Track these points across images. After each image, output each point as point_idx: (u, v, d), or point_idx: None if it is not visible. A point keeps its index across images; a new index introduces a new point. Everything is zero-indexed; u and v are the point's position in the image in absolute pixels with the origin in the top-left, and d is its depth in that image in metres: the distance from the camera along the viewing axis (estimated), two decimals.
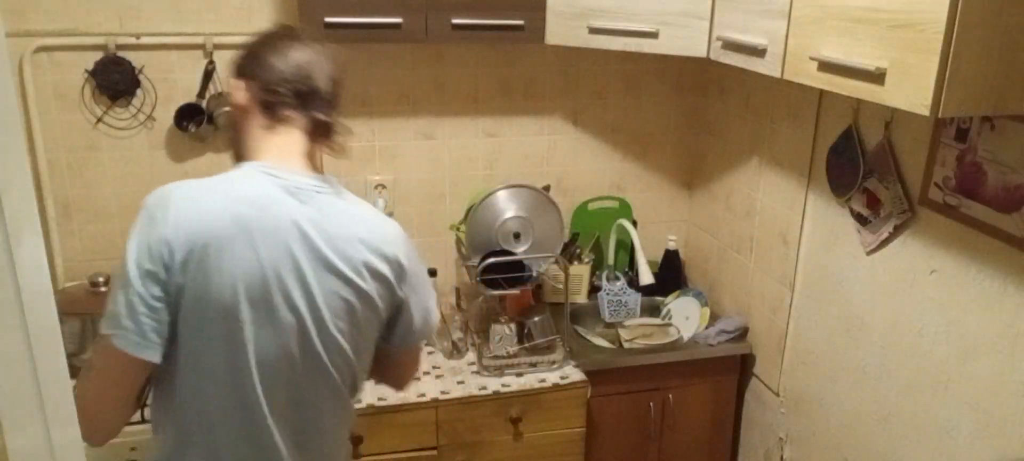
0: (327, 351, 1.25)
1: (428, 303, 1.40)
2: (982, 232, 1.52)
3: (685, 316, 2.42)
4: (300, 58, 1.28)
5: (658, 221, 2.67)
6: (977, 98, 1.25)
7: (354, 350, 1.29)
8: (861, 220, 1.85)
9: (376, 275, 1.27)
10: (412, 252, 1.36)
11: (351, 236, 1.25)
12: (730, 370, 2.38)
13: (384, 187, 2.39)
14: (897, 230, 1.74)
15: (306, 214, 1.22)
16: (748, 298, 2.37)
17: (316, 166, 1.31)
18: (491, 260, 2.14)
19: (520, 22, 2.05)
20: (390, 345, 1.37)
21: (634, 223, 2.53)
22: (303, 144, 1.29)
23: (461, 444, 2.09)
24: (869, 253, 1.83)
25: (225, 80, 2.20)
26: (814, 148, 2.02)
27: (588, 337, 2.38)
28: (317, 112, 1.28)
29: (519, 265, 2.19)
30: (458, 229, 2.41)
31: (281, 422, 1.25)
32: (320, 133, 1.30)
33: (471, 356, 2.22)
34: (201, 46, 2.16)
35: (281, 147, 1.27)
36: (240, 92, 1.30)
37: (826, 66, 1.47)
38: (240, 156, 1.32)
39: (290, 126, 1.28)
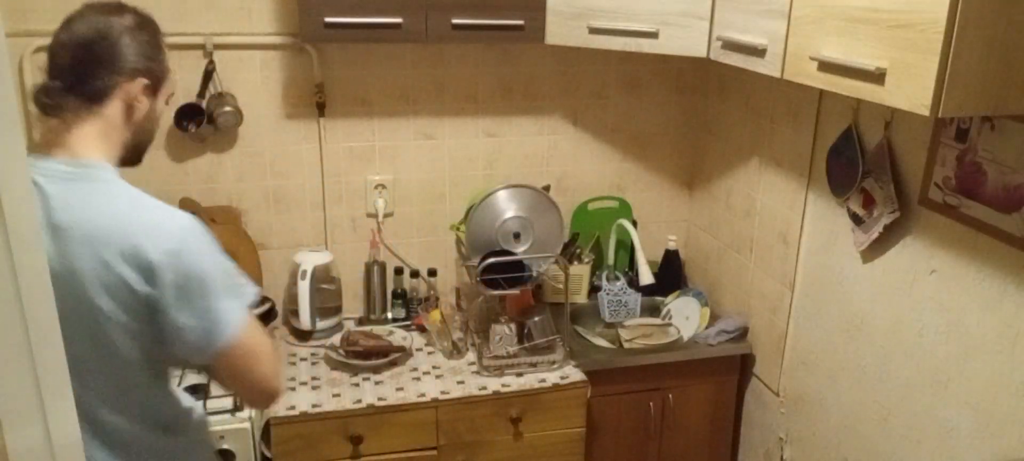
0: None
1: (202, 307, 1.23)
2: (982, 232, 1.52)
3: (685, 316, 2.42)
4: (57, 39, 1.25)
5: (658, 221, 2.67)
6: (977, 98, 1.25)
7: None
8: (856, 220, 1.85)
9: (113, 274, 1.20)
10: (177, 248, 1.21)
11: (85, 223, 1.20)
12: (730, 370, 2.38)
13: (384, 187, 2.39)
14: (888, 230, 1.74)
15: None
16: (748, 298, 2.37)
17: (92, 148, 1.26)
18: (491, 260, 2.14)
19: (520, 22, 2.05)
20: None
21: (634, 223, 2.53)
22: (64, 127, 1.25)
23: (461, 444, 2.09)
24: (862, 253, 1.83)
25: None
26: (814, 148, 2.02)
27: (588, 337, 2.38)
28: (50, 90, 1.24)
29: (519, 265, 2.19)
30: (458, 229, 2.41)
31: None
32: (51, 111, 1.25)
33: (471, 356, 2.22)
34: (201, 46, 2.16)
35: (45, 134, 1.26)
36: None
37: (826, 66, 1.47)
38: None
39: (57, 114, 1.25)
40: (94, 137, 1.25)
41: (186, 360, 1.36)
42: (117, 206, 1.24)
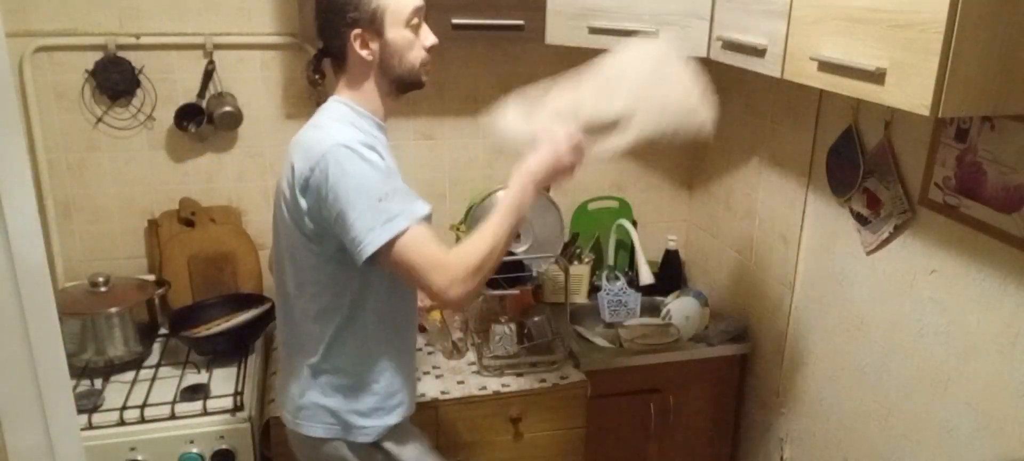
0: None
1: (349, 214, 1.38)
2: (982, 232, 1.52)
3: (685, 316, 2.42)
4: None
5: (658, 221, 2.67)
6: (977, 98, 1.25)
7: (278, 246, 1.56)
8: (861, 220, 1.85)
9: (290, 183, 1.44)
10: (325, 163, 1.38)
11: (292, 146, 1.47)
12: (730, 370, 2.38)
13: None
14: (897, 230, 1.74)
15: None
16: (748, 298, 2.37)
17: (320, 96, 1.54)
18: None
19: (520, 22, 2.05)
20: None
21: (634, 223, 2.53)
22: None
23: (461, 444, 2.09)
24: (869, 253, 1.83)
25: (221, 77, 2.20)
26: (814, 148, 2.02)
27: (588, 337, 2.38)
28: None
29: (519, 265, 2.19)
30: (458, 229, 2.41)
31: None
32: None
33: (471, 356, 2.22)
34: (201, 46, 2.16)
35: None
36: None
37: (826, 66, 1.47)
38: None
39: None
40: (340, 91, 1.52)
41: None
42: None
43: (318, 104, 1.54)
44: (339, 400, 1.55)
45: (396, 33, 1.45)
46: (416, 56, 1.49)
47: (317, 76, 1.60)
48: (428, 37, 1.51)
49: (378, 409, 1.57)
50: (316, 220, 1.42)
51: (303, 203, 1.41)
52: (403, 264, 1.38)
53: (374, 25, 1.44)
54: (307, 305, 1.53)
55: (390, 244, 1.36)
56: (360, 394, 1.56)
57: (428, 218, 1.43)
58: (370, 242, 1.36)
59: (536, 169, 1.50)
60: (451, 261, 1.39)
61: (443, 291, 1.39)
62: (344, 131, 1.42)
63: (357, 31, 1.43)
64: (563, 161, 1.51)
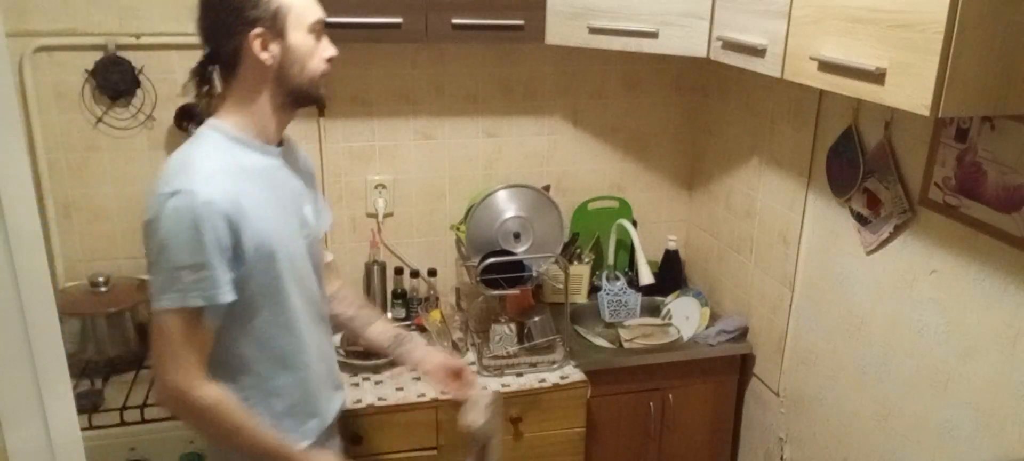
0: None
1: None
2: (982, 232, 1.52)
3: (685, 316, 2.42)
4: None
5: (658, 221, 2.67)
6: (977, 98, 1.25)
7: None
8: (861, 220, 1.85)
9: None
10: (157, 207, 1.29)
11: None
12: (730, 370, 2.38)
13: (384, 187, 2.39)
14: (897, 230, 1.74)
15: None
16: (748, 298, 2.37)
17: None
18: (491, 260, 2.14)
19: (520, 22, 2.05)
20: None
21: (634, 223, 2.53)
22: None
23: (461, 444, 2.08)
24: (869, 253, 1.83)
25: None
26: (814, 148, 2.02)
27: (588, 337, 2.38)
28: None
29: (519, 265, 2.19)
30: (458, 229, 2.41)
31: None
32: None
33: (471, 356, 2.22)
34: (201, 46, 2.16)
35: None
36: None
37: (826, 66, 1.47)
38: None
39: None
40: (227, 105, 1.40)
41: None
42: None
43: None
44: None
45: (299, 37, 1.35)
46: (317, 66, 1.39)
47: (205, 88, 1.42)
48: (328, 48, 1.41)
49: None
50: None
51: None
52: (152, 334, 1.33)
53: (276, 24, 1.32)
54: None
55: (156, 310, 1.31)
56: None
57: (207, 311, 1.32)
58: (153, 299, 1.31)
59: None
60: (177, 374, 1.32)
61: (157, 385, 1.36)
62: (202, 172, 1.30)
63: (257, 31, 1.31)
64: None
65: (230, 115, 1.39)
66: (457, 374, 1.73)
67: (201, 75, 1.41)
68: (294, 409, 1.50)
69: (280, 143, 1.46)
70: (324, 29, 1.41)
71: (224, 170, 1.32)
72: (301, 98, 1.41)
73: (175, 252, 1.27)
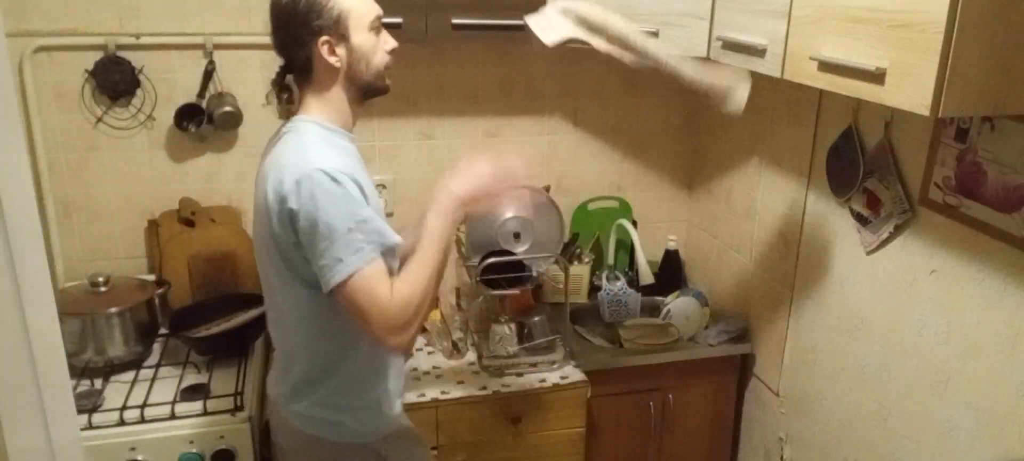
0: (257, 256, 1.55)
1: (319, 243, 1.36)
2: (982, 232, 1.52)
3: (685, 316, 2.42)
4: None
5: (658, 221, 2.67)
6: (977, 98, 1.25)
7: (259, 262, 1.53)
8: (861, 220, 1.85)
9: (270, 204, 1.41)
10: (302, 193, 1.34)
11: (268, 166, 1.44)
12: (730, 370, 2.38)
13: (384, 187, 2.39)
14: (897, 230, 1.74)
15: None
16: (748, 298, 2.37)
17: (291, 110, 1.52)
18: (491, 260, 2.13)
19: (520, 22, 2.05)
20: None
21: (634, 223, 2.53)
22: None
23: (461, 444, 2.09)
24: (869, 253, 1.83)
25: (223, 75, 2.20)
26: (814, 148, 2.02)
27: (588, 337, 2.37)
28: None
29: (519, 265, 2.19)
30: (458, 229, 2.41)
31: None
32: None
33: (471, 356, 2.22)
34: (201, 46, 2.16)
35: None
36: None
37: (826, 66, 1.47)
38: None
39: None
40: (309, 105, 1.49)
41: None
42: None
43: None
44: (331, 410, 1.54)
45: (361, 37, 1.44)
46: (381, 60, 1.48)
47: (285, 96, 1.54)
48: (389, 41, 1.50)
49: (367, 413, 1.57)
50: (287, 246, 1.40)
51: (278, 228, 1.39)
52: (351, 303, 1.36)
53: (339, 29, 1.42)
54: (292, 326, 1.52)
55: (346, 280, 1.34)
56: (351, 403, 1.55)
57: (393, 250, 1.41)
58: (337, 273, 1.34)
59: (460, 193, 1.48)
60: (392, 309, 1.36)
61: (381, 340, 1.38)
62: (321, 152, 1.38)
63: (324, 38, 1.41)
64: (488, 186, 1.49)
65: (316, 112, 1.47)
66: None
67: (280, 84, 1.53)
68: (396, 371, 1.61)
69: None
70: (381, 24, 1.49)
71: (335, 150, 1.41)
72: (370, 91, 1.51)
73: (339, 220, 1.33)
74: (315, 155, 1.37)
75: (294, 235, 1.37)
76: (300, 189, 1.34)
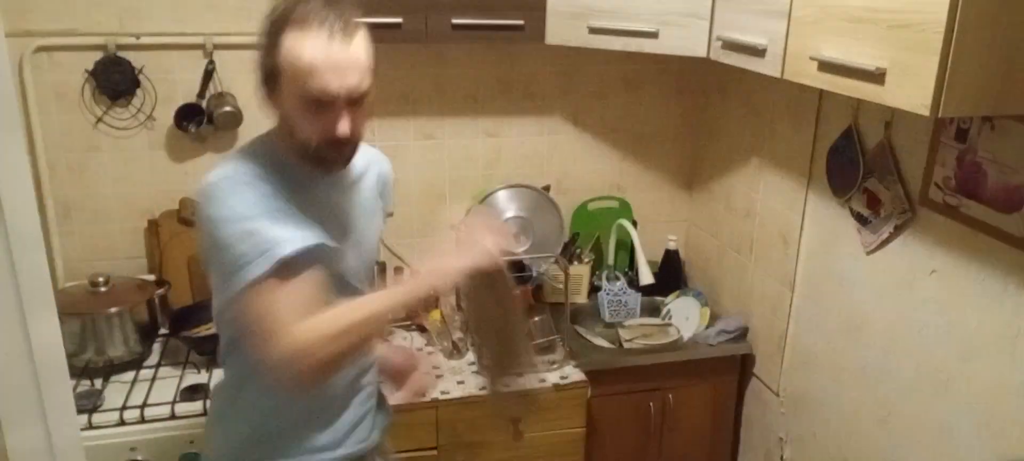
0: None
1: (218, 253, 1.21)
2: (982, 232, 1.52)
3: (685, 316, 2.42)
4: None
5: (658, 221, 2.67)
6: (977, 98, 1.25)
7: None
8: (861, 220, 1.85)
9: None
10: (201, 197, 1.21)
11: None
12: (730, 370, 2.38)
13: None
14: (897, 230, 1.74)
15: None
16: (748, 298, 2.37)
17: None
18: None
19: (520, 22, 2.05)
20: None
21: (634, 223, 2.53)
22: None
23: (461, 444, 2.08)
24: (869, 253, 1.83)
25: (227, 80, 2.20)
26: (814, 148, 2.02)
27: (588, 337, 2.37)
28: None
29: (519, 265, 2.19)
30: (458, 229, 2.40)
31: None
32: None
33: (471, 356, 2.22)
34: (201, 46, 2.16)
35: None
36: None
37: (826, 66, 1.47)
38: None
39: None
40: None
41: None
42: None
43: None
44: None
45: (291, 105, 1.22)
46: (313, 136, 1.23)
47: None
48: (335, 126, 1.21)
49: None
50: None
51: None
52: (248, 316, 1.17)
53: (269, 86, 1.24)
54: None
55: (245, 289, 1.16)
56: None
57: (307, 255, 1.20)
58: (240, 279, 1.16)
59: (463, 267, 1.33)
60: (294, 333, 1.15)
61: (273, 367, 1.16)
62: (235, 163, 1.24)
63: (262, 86, 1.25)
64: (487, 259, 1.34)
65: (274, 136, 1.33)
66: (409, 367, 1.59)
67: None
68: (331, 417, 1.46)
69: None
70: (338, 104, 1.21)
71: (261, 165, 1.29)
72: (304, 157, 1.27)
73: (242, 216, 1.25)
74: (226, 165, 1.24)
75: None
76: (201, 197, 1.22)
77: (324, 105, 1.20)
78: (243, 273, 1.16)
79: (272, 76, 1.22)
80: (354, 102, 1.22)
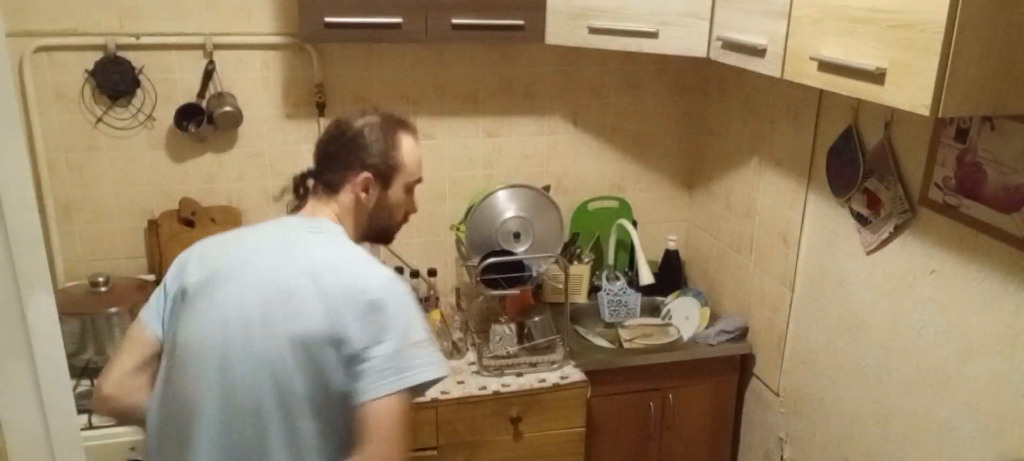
0: None
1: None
2: (982, 232, 1.52)
3: (685, 316, 2.42)
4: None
5: (658, 221, 2.67)
6: (977, 98, 1.25)
7: None
8: (861, 220, 1.85)
9: None
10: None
11: None
12: (730, 370, 2.38)
13: None
14: (897, 230, 1.74)
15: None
16: (748, 298, 2.37)
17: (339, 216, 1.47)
18: (491, 260, 2.14)
19: (520, 22, 2.05)
20: None
21: (634, 223, 2.53)
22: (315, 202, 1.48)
23: (461, 444, 2.09)
24: (869, 253, 1.83)
25: (220, 82, 2.21)
26: (814, 148, 2.02)
27: (588, 337, 2.38)
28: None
29: (519, 265, 2.19)
30: (458, 229, 2.41)
31: None
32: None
33: (471, 356, 2.22)
34: (201, 46, 2.16)
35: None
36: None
37: (826, 66, 1.47)
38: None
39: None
40: (330, 215, 1.44)
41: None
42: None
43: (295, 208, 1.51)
44: None
45: (398, 193, 1.48)
46: (401, 217, 1.52)
47: (300, 193, 1.53)
48: (413, 204, 1.54)
49: None
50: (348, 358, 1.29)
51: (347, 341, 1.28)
52: (385, 417, 1.26)
53: (384, 177, 1.45)
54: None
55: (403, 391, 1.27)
56: None
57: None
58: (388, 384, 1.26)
59: None
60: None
61: None
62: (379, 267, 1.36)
63: (367, 176, 1.42)
64: None
65: (339, 220, 1.45)
66: None
67: (300, 184, 1.53)
68: None
69: None
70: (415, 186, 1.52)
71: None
72: (377, 236, 1.53)
73: (420, 326, 1.34)
74: (379, 268, 1.36)
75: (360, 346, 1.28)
76: (387, 287, 1.31)
77: (413, 189, 1.52)
78: (415, 373, 1.28)
79: (388, 172, 1.44)
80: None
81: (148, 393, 1.36)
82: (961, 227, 1.57)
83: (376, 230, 1.51)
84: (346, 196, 1.44)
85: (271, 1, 2.17)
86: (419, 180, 1.52)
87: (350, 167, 1.42)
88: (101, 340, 1.94)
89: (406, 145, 1.46)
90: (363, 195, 1.43)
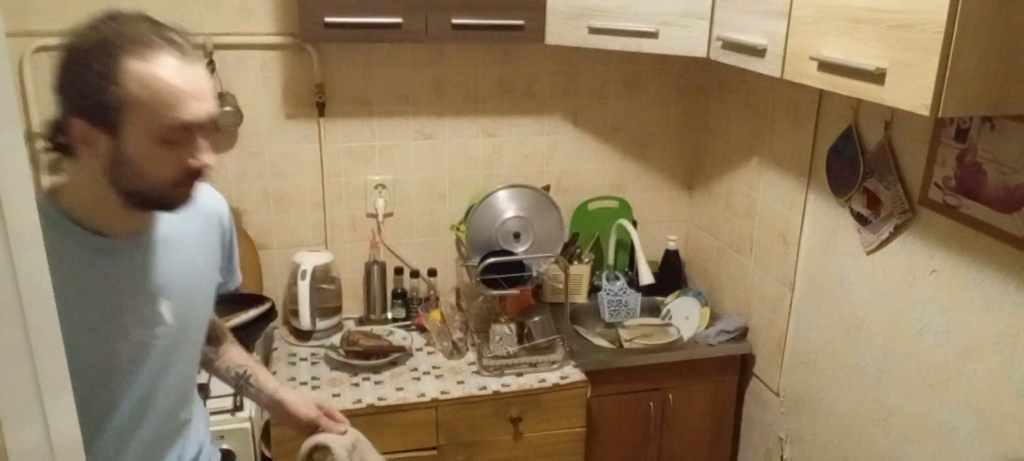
0: None
1: None
2: (982, 232, 1.52)
3: (685, 316, 2.42)
4: None
5: (658, 221, 2.67)
6: (977, 98, 1.25)
7: None
8: (861, 220, 1.85)
9: None
10: None
11: None
12: (730, 370, 2.38)
13: (384, 187, 2.39)
14: (897, 230, 1.74)
15: None
16: (748, 298, 2.37)
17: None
18: (491, 260, 2.14)
19: (520, 22, 2.05)
20: None
21: (634, 223, 2.53)
22: None
23: (461, 444, 2.09)
24: (869, 253, 1.83)
25: (217, 82, 2.20)
26: (814, 148, 2.02)
27: (588, 337, 2.38)
28: None
29: (519, 265, 2.19)
30: (458, 229, 2.41)
31: None
32: None
33: (471, 356, 2.22)
34: (201, 46, 2.16)
35: None
36: None
37: (826, 66, 1.47)
38: None
39: None
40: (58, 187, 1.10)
41: None
42: None
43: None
44: None
45: (139, 145, 1.03)
46: (167, 173, 1.07)
47: (61, 139, 1.08)
48: (199, 155, 1.08)
49: None
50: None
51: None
52: None
53: (106, 118, 1.02)
54: None
55: None
56: None
57: None
58: None
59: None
60: None
61: None
62: None
63: (82, 124, 1.02)
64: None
65: (65, 194, 1.11)
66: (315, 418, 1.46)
67: (58, 128, 1.08)
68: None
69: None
70: (202, 132, 1.08)
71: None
72: (144, 202, 1.11)
73: None
74: None
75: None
76: None
77: (186, 135, 1.06)
78: None
79: (108, 115, 1.01)
80: (209, 129, 1.10)
81: None
82: (961, 227, 1.57)
83: (136, 195, 1.08)
84: (76, 148, 1.06)
85: (271, 1, 2.17)
86: (186, 123, 1.04)
87: (63, 107, 1.04)
88: None
89: (138, 72, 1.01)
90: (84, 149, 1.04)
